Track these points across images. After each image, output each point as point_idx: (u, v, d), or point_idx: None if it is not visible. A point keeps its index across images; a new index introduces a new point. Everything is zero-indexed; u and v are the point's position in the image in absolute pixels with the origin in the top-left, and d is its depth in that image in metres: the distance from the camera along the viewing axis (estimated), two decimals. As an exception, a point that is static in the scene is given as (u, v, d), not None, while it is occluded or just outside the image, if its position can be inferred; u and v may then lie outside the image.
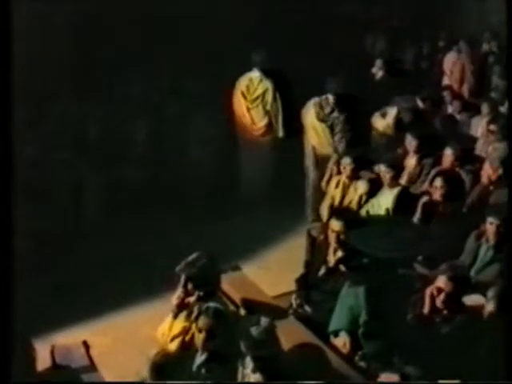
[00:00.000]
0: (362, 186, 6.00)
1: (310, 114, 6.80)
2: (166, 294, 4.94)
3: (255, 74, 7.13)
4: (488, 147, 6.31)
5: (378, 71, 9.81)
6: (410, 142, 6.35)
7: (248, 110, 7.13)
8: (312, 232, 5.88)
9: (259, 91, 7.09)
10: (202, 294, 4.11)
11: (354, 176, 6.04)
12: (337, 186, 6.19)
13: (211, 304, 3.94)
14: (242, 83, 7.18)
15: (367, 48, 10.34)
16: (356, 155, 6.05)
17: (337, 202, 6.15)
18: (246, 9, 8.33)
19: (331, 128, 6.65)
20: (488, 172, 5.51)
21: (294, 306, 4.97)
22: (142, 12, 7.70)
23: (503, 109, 7.61)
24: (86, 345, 5.04)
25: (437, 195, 5.16)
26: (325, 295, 4.83)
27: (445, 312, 3.86)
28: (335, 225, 5.02)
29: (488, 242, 4.56)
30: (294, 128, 6.97)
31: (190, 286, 4.18)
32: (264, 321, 3.78)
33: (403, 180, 6.02)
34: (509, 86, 3.59)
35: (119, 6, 7.52)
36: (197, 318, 3.97)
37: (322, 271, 5.03)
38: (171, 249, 5.75)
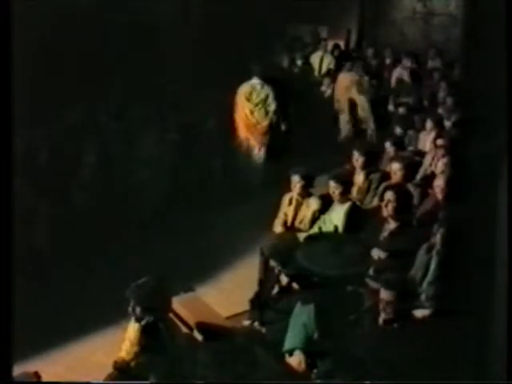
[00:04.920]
0: (314, 203, 6.03)
1: (352, 89, 9.27)
2: (119, 319, 4.87)
3: (256, 82, 8.39)
4: (437, 162, 6.41)
5: (326, 90, 10.00)
6: (357, 159, 6.47)
7: (252, 112, 8.35)
8: (264, 250, 5.87)
9: (262, 96, 8.34)
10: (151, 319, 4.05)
11: (305, 193, 6.07)
12: (290, 203, 6.20)
13: (148, 319, 3.89)
14: (245, 89, 8.40)
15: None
16: (305, 173, 6.08)
17: (290, 219, 6.16)
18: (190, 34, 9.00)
19: (368, 98, 9.23)
20: (438, 186, 5.58)
21: (248, 326, 4.95)
22: (89, 37, 7.69)
23: (448, 123, 7.78)
24: (37, 375, 4.91)
25: (388, 209, 5.18)
26: (278, 314, 4.83)
27: (394, 325, 3.90)
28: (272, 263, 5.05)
29: (439, 254, 4.60)
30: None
31: (138, 311, 4.11)
32: None
33: (353, 196, 6.08)
34: (508, 92, 3.66)
35: (65, 31, 7.47)
36: None
37: (276, 290, 5.02)
38: (122, 272, 5.67)
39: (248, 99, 8.35)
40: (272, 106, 8.32)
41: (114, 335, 5.02)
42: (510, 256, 3.48)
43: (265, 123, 8.35)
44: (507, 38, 3.77)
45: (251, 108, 8.36)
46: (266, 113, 8.33)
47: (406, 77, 9.91)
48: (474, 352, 3.87)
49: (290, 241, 5.70)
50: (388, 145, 7.18)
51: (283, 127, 8.42)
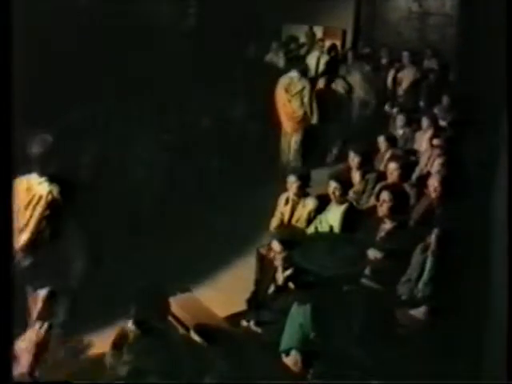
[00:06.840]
0: (310, 203, 6.04)
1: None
2: (118, 320, 4.86)
3: (294, 74, 9.15)
4: (433, 162, 6.44)
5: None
6: (353, 159, 6.49)
7: (289, 101, 9.07)
8: (261, 250, 5.89)
9: (299, 87, 9.05)
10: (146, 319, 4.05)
11: (301, 193, 6.08)
12: (286, 203, 6.22)
13: (142, 319, 3.91)
14: (284, 81, 9.15)
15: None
16: (301, 173, 6.09)
17: (286, 219, 6.18)
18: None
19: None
20: (434, 186, 5.60)
21: (245, 326, 4.95)
22: (88, 37, 7.69)
23: (444, 123, 7.80)
24: None
25: (384, 209, 5.17)
26: (275, 314, 4.81)
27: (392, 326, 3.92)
28: (276, 245, 5.02)
29: (434, 254, 4.62)
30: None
31: (133, 311, 4.11)
32: None
33: (349, 195, 6.10)
34: (509, 92, 3.68)
35: (65, 31, 7.46)
36: None
37: (272, 289, 5.02)
38: (120, 272, 5.67)
39: (286, 90, 9.08)
40: (306, 97, 9.02)
41: (113, 335, 5.01)
42: (510, 256, 3.52)
43: (300, 112, 9.06)
44: (507, 37, 3.78)
45: (289, 98, 9.08)
46: (302, 103, 9.05)
47: (402, 77, 9.94)
48: (473, 352, 3.88)
49: (296, 231, 5.75)
50: (383, 144, 7.21)
51: (315, 117, 9.09)
